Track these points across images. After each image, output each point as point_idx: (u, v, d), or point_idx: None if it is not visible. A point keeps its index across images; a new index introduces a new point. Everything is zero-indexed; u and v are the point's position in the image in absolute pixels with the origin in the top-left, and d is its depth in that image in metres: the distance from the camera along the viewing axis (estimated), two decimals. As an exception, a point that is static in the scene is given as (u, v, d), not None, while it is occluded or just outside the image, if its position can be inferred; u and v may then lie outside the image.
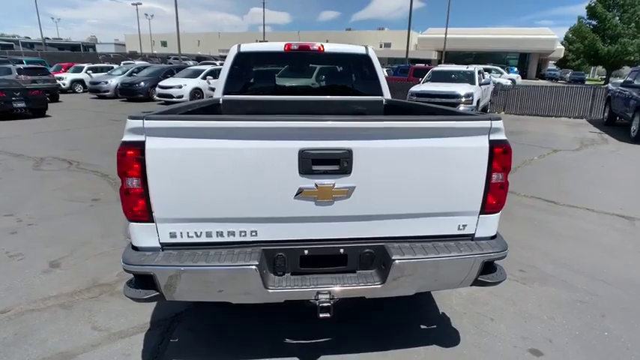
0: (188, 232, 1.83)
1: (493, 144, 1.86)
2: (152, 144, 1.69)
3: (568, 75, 43.95)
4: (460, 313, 2.64)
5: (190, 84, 15.63)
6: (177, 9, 32.18)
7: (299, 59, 3.90)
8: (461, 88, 11.29)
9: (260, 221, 1.84)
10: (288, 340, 2.36)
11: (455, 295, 2.83)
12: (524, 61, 51.96)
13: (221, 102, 3.64)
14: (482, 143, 1.86)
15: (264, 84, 3.98)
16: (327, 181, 1.78)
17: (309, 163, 1.75)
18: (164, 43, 73.82)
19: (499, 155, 1.87)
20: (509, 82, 19.96)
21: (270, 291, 1.82)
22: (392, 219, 1.91)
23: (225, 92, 3.68)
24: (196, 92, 15.71)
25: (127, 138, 1.71)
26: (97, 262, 3.29)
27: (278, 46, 3.74)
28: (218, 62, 28.76)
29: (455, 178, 1.89)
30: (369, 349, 2.27)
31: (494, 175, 1.90)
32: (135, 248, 1.86)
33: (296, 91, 3.90)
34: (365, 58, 3.86)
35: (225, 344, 2.34)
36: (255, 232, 1.86)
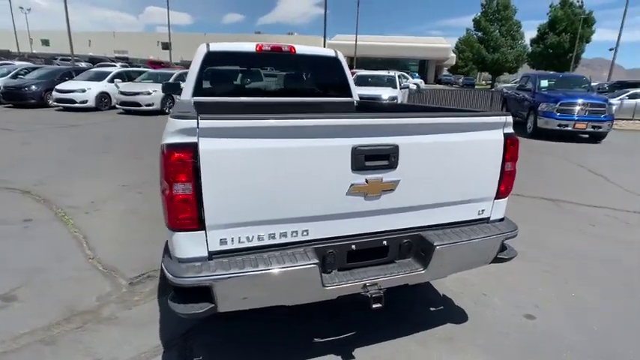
0: (239, 238, 1.74)
1: (507, 137, 2.12)
2: (206, 145, 1.58)
3: (460, 80, 49.59)
4: (457, 293, 2.90)
5: (96, 88, 14.22)
6: (66, 2, 28.45)
7: (270, 60, 3.87)
8: (385, 92, 12.08)
9: (312, 220, 1.84)
10: (316, 340, 2.36)
11: (446, 278, 3.09)
12: (423, 67, 57.25)
13: (192, 105, 3.45)
14: (498, 136, 2.11)
15: (235, 85, 3.86)
16: (376, 176, 1.85)
17: (361, 160, 1.80)
18: (45, 42, 65.33)
19: (510, 146, 2.14)
20: (414, 87, 21.94)
21: (327, 288, 1.83)
22: (426, 209, 2.05)
23: (194, 94, 3.49)
24: (103, 97, 14.36)
25: (176, 139, 1.58)
26: (65, 288, 2.86)
27: (249, 46, 3.68)
28: (119, 64, 26.25)
29: (478, 168, 2.10)
30: (396, 336, 2.39)
31: (507, 164, 2.16)
32: (176, 260, 1.71)
33: (269, 93, 3.86)
34: (335, 61, 3.99)
35: (252, 353, 2.25)
36: (307, 231, 1.85)
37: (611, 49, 24.77)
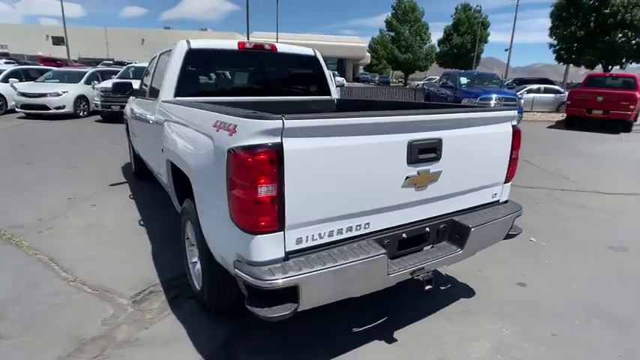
0: (312, 235, 1.76)
1: (514, 128, 2.42)
2: (290, 145, 1.57)
3: (377, 78, 52.40)
4: (457, 273, 3.19)
5: (74, 90, 12.26)
6: None
7: (252, 58, 3.78)
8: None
9: (373, 213, 1.92)
10: (355, 329, 2.44)
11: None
12: (341, 65, 59.21)
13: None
14: (509, 128, 2.40)
15: (219, 84, 3.71)
16: (425, 168, 2.00)
17: (416, 153, 1.93)
18: None
19: (516, 136, 2.44)
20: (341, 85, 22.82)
21: (390, 276, 1.93)
22: (458, 195, 2.26)
23: (176, 94, 3.30)
24: (81, 101, 12.49)
25: (260, 140, 1.54)
26: (56, 317, 2.52)
27: (230, 43, 3.58)
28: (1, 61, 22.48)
29: (495, 156, 2.37)
30: (422, 316, 2.57)
31: (514, 152, 2.46)
32: (254, 264, 1.66)
33: (253, 92, 3.78)
34: (314, 60, 4.05)
35: (300, 352, 2.25)
36: (368, 223, 1.92)
37: (506, 50, 28.53)
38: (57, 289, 2.83)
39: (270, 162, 1.55)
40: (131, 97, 5.30)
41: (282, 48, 3.80)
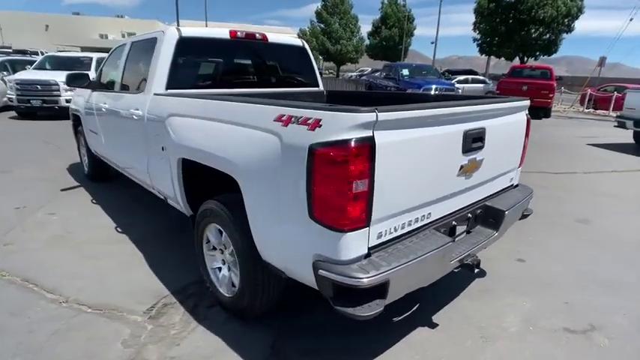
0: (389, 229, 1.73)
1: (527, 117, 2.61)
2: (380, 138, 1.52)
3: (309, 69, 52.37)
4: (461, 254, 3.38)
5: None
6: None
7: (243, 48, 3.57)
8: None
9: (434, 202, 1.94)
10: (395, 319, 2.46)
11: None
12: (272, 57, 58.23)
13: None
14: (524, 117, 2.57)
15: (212, 75, 3.43)
16: (474, 157, 2.07)
17: (469, 142, 1.98)
18: None
19: (528, 124, 2.63)
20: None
21: (450, 262, 1.98)
22: (490, 181, 2.38)
23: (168, 86, 3.01)
24: None
25: (352, 134, 1.47)
26: (63, 345, 2.18)
27: (222, 32, 3.35)
28: None
29: (515, 143, 2.53)
30: (448, 300, 2.68)
31: (526, 140, 2.65)
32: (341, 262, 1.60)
33: (246, 84, 3.58)
34: (303, 50, 3.95)
35: (351, 346, 2.22)
36: (430, 213, 1.94)
37: (432, 43, 30.41)
38: (50, 314, 2.45)
39: (364, 157, 1.49)
40: (84, 91, 4.72)
41: (272, 37, 3.64)
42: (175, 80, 3.04)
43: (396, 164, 1.63)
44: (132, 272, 2.96)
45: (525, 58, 24.99)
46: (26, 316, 2.41)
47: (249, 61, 3.67)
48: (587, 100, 16.33)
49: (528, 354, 2.17)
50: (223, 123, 2.05)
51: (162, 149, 2.78)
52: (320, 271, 1.60)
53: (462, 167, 2.00)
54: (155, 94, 2.95)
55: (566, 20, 22.71)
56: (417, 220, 1.87)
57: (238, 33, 3.39)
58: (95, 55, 12.06)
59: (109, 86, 4.10)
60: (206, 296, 2.64)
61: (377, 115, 1.49)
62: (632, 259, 3.39)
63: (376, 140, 1.51)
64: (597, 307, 2.63)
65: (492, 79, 20.64)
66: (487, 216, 2.36)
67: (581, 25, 23.95)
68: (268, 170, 1.77)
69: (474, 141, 2.01)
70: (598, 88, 15.51)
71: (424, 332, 2.34)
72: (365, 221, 1.59)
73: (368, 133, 1.50)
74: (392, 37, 41.40)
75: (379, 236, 1.69)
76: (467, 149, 1.98)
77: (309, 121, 1.57)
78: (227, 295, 2.41)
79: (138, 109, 3.11)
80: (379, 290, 1.61)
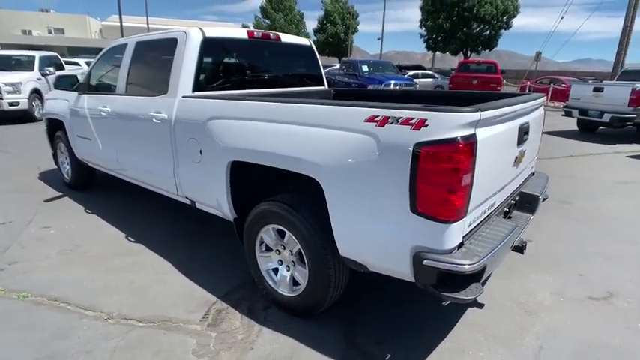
0: (474, 219, 1.89)
1: (544, 110, 2.90)
2: (481, 135, 1.67)
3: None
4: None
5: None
6: None
7: (259, 48, 3.54)
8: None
9: (498, 192, 2.13)
10: (444, 303, 2.64)
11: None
12: (218, 53, 56.49)
13: None
14: (542, 110, 2.86)
15: (234, 76, 3.36)
16: (522, 149, 2.29)
17: (522, 135, 2.19)
18: None
19: (544, 117, 2.93)
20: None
21: (510, 246, 2.18)
22: (525, 170, 2.63)
23: (195, 88, 2.94)
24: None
25: (458, 133, 1.60)
26: (129, 361, 2.10)
27: (240, 32, 3.32)
28: None
29: (539, 135, 2.81)
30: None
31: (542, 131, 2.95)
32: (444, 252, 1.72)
33: (264, 84, 3.56)
34: (310, 50, 4.00)
35: (422, 330, 2.35)
36: (495, 202, 2.12)
37: (378, 39, 31.32)
38: (100, 332, 2.32)
39: (469, 153, 1.62)
40: (64, 94, 4.39)
41: (284, 38, 3.65)
42: (201, 82, 2.97)
43: (485, 158, 1.78)
44: (167, 282, 2.87)
45: (468, 53, 26.86)
46: (75, 337, 2.27)
47: (265, 61, 3.64)
48: (527, 91, 17.86)
49: (570, 322, 2.45)
50: (298, 125, 2.07)
51: (200, 153, 2.71)
52: (425, 260, 1.71)
53: (516, 158, 2.21)
54: (184, 97, 2.86)
55: (504, 18, 24.84)
56: (488, 209, 2.04)
57: (255, 33, 3.37)
58: (37, 54, 11.04)
59: (106, 89, 3.86)
60: (257, 298, 2.64)
61: (480, 114, 1.63)
62: (616, 232, 3.87)
63: (478, 137, 1.65)
64: (606, 277, 3.00)
65: (439, 74, 21.78)
66: (523, 201, 2.61)
67: (514, 22, 26.12)
68: (360, 169, 1.83)
69: (524, 134, 2.23)
70: (535, 80, 17.08)
71: (475, 312, 2.54)
72: (465, 212, 1.72)
73: (472, 131, 1.63)
74: (337, 34, 42.04)
75: (469, 226, 1.83)
76: (519, 142, 2.20)
77: (412, 121, 1.67)
78: (288, 294, 2.43)
79: (160, 112, 2.99)
80: (474, 275, 1.76)
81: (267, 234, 2.45)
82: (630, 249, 3.52)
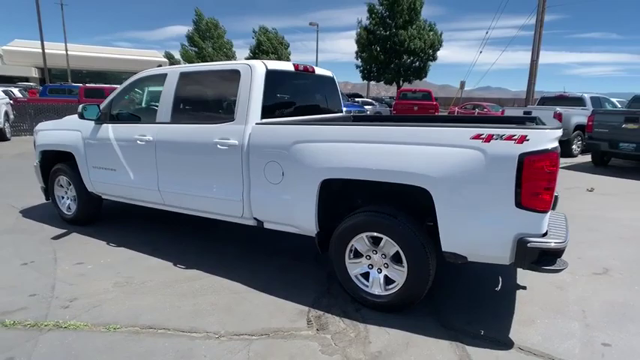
0: (549, 211, 2.46)
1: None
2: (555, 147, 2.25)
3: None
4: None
5: None
6: None
7: (301, 79, 3.91)
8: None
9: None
10: (496, 289, 3.17)
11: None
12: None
13: None
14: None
15: (288, 105, 3.66)
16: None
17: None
18: None
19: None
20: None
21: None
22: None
23: (262, 116, 3.22)
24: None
25: (551, 145, 2.18)
26: (269, 368, 2.24)
27: (289, 65, 3.68)
28: None
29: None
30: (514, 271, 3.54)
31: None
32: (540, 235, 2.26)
33: (306, 111, 3.91)
34: (333, 80, 4.46)
35: (491, 306, 2.83)
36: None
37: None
38: (221, 349, 2.41)
39: (555, 160, 2.19)
40: (70, 124, 4.30)
41: (317, 70, 4.07)
42: (266, 110, 3.25)
43: (557, 163, 2.38)
44: (249, 299, 3.00)
45: (401, 82, 29.63)
46: (201, 356, 2.35)
47: (304, 91, 4.00)
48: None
49: (591, 291, 3.14)
50: (409, 144, 2.48)
51: (282, 174, 2.97)
52: (530, 243, 2.22)
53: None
54: (257, 124, 3.11)
55: (430, 51, 28.09)
56: (549, 203, 2.65)
57: (300, 66, 3.75)
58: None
59: (141, 118, 3.88)
60: (343, 303, 2.92)
61: (560, 131, 2.23)
62: (589, 225, 4.81)
63: (557, 149, 2.24)
64: (597, 259, 3.81)
65: (377, 101, 23.63)
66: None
67: (438, 54, 29.64)
68: (469, 177, 2.31)
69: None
70: (461, 106, 19.47)
71: (524, 293, 3.12)
72: (552, 204, 2.28)
73: (556, 144, 2.22)
74: (265, 64, 43.23)
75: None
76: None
77: (515, 137, 2.21)
78: (381, 293, 2.76)
79: (228, 139, 3.18)
80: (560, 252, 2.31)
81: (360, 242, 2.78)
82: (600, 236, 4.45)
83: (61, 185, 4.62)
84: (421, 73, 29.15)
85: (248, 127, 3.13)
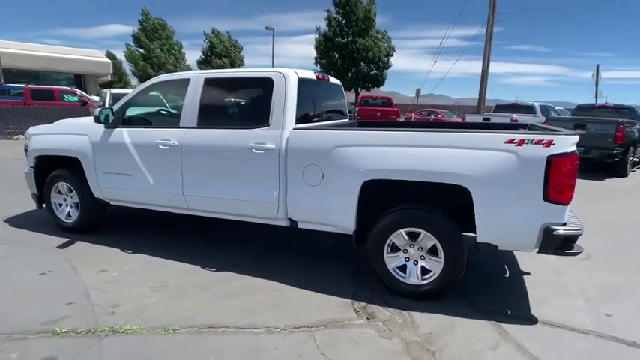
0: (564, 204, 2.90)
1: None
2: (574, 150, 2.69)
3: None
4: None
5: None
6: None
7: (319, 87, 4.11)
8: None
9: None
10: (525, 276, 3.60)
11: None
12: (80, 82, 50.46)
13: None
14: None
15: (313, 111, 3.83)
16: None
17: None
18: None
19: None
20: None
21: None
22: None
23: (297, 122, 3.41)
24: None
25: (572, 148, 2.60)
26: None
27: (311, 73, 3.89)
28: None
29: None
30: (529, 256, 4.00)
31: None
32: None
33: (324, 117, 4.12)
34: (341, 88, 4.73)
35: (517, 291, 3.22)
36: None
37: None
38: (289, 339, 2.56)
39: (575, 160, 2.61)
40: (72, 127, 4.19)
41: (330, 79, 4.32)
42: (299, 116, 3.43)
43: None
44: (293, 296, 3.14)
45: (359, 89, 30.55)
46: (272, 348, 2.47)
47: (322, 97, 4.21)
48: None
49: (582, 274, 3.67)
50: (451, 148, 2.79)
51: (322, 177, 3.17)
52: (555, 231, 2.63)
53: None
54: (295, 129, 3.29)
55: (386, 59, 29.32)
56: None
57: (320, 75, 3.97)
58: None
59: (160, 122, 3.87)
60: (381, 294, 3.17)
61: (578, 137, 2.67)
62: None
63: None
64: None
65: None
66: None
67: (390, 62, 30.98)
68: (504, 176, 2.67)
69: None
70: (417, 112, 20.58)
71: (530, 278, 3.57)
72: (572, 198, 2.72)
73: (575, 147, 2.65)
74: (223, 66, 42.44)
75: (566, 208, 2.84)
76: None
77: (543, 142, 2.60)
78: (417, 282, 3.05)
79: (264, 143, 3.32)
80: (576, 238, 2.75)
81: (398, 237, 3.05)
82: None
83: (60, 192, 4.41)
84: (379, 80, 30.36)
85: (285, 132, 3.29)
